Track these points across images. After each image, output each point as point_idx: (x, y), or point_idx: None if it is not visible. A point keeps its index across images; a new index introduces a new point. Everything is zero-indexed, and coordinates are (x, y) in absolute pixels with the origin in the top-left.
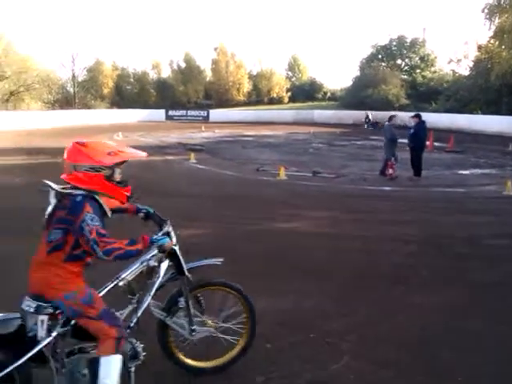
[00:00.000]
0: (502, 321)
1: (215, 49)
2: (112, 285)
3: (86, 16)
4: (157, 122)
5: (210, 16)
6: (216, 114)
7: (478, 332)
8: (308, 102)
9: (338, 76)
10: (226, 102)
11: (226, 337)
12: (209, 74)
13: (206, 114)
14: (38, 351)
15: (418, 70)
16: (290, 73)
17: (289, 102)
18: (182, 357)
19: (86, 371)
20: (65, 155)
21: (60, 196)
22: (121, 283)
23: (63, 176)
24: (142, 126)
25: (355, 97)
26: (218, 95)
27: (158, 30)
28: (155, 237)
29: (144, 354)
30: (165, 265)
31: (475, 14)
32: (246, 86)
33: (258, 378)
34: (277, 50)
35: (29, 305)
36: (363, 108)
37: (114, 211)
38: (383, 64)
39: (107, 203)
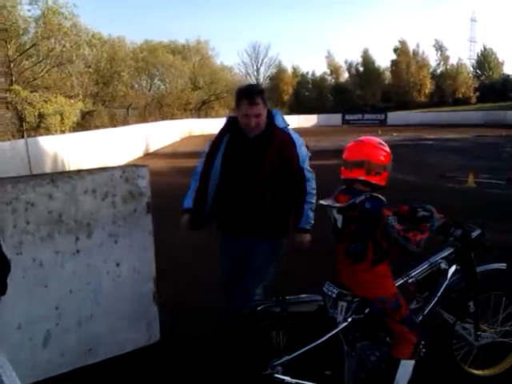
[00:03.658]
0: None
1: (395, 50)
2: (402, 281)
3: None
4: (333, 127)
5: (391, 11)
6: (394, 116)
7: None
8: (500, 103)
9: None
10: (405, 105)
11: (505, 340)
12: (387, 76)
13: (383, 118)
14: (334, 333)
15: None
16: (478, 71)
17: (477, 103)
18: (462, 364)
19: (374, 358)
20: (372, 158)
21: (344, 210)
22: (410, 280)
23: (371, 178)
24: (319, 130)
25: None
26: (396, 97)
27: (337, 29)
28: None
29: (424, 350)
30: (453, 268)
31: None
32: (428, 87)
33: None
34: (464, 47)
35: (331, 290)
36: None
37: None
38: None
39: None
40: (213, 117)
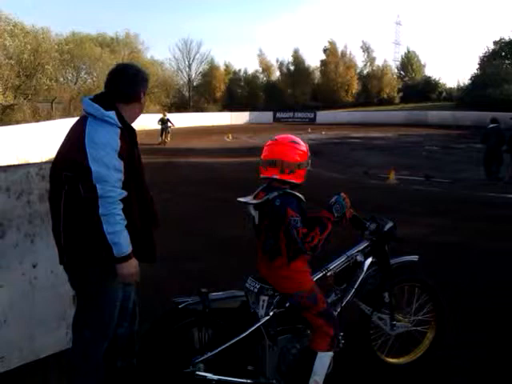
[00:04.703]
0: None
1: (325, 50)
2: (321, 274)
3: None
4: (265, 124)
5: (321, 12)
6: (323, 115)
7: None
8: (421, 103)
9: (456, 73)
10: (333, 104)
11: (418, 328)
12: (317, 76)
13: (312, 116)
14: (256, 328)
15: None
16: (402, 72)
17: (400, 103)
18: (379, 354)
19: (295, 351)
20: (285, 157)
21: (259, 206)
22: (328, 274)
23: (285, 177)
24: (250, 127)
25: (474, 97)
26: (325, 97)
27: (268, 28)
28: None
29: (343, 342)
30: (369, 261)
31: None
32: (355, 87)
33: None
34: (389, 49)
35: (253, 285)
36: (483, 109)
37: None
38: (507, 61)
39: None
40: (143, 112)
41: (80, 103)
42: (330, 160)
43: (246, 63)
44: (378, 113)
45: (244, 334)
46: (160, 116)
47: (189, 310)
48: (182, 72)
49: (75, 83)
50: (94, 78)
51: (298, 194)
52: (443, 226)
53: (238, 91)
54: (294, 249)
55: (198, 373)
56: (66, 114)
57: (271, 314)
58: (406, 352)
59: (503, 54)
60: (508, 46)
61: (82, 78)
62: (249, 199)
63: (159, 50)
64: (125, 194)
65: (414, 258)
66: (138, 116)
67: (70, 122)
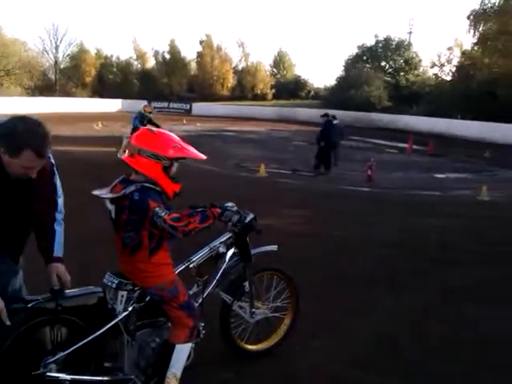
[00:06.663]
0: (467, 324)
1: (201, 42)
2: (183, 266)
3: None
4: None
5: (198, 5)
6: (199, 107)
7: (442, 335)
8: (291, 100)
9: (324, 74)
10: (209, 96)
11: (276, 314)
12: (193, 67)
13: (188, 107)
14: (113, 324)
15: (401, 73)
16: (275, 70)
17: (272, 99)
18: (239, 341)
19: (154, 345)
20: (132, 139)
21: (116, 200)
22: (191, 265)
23: (124, 157)
24: (123, 116)
25: (339, 97)
26: (201, 89)
27: (144, 17)
28: (225, 205)
29: (204, 332)
30: (230, 252)
31: (461, 19)
32: (231, 81)
33: (226, 375)
34: (263, 46)
35: (111, 280)
36: (347, 108)
37: None
38: (368, 65)
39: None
40: (3, 95)
41: None
42: (203, 152)
43: (119, 51)
44: (252, 108)
45: (100, 331)
46: (139, 109)
47: (39, 309)
48: (47, 53)
49: None
50: None
51: (155, 187)
52: (304, 216)
53: (110, 77)
54: (157, 240)
55: (48, 374)
56: None
57: (130, 309)
58: (264, 338)
59: (365, 58)
60: (369, 51)
61: None
62: (105, 192)
63: (23, 29)
64: None
65: (274, 247)
66: (16, 171)
67: None
